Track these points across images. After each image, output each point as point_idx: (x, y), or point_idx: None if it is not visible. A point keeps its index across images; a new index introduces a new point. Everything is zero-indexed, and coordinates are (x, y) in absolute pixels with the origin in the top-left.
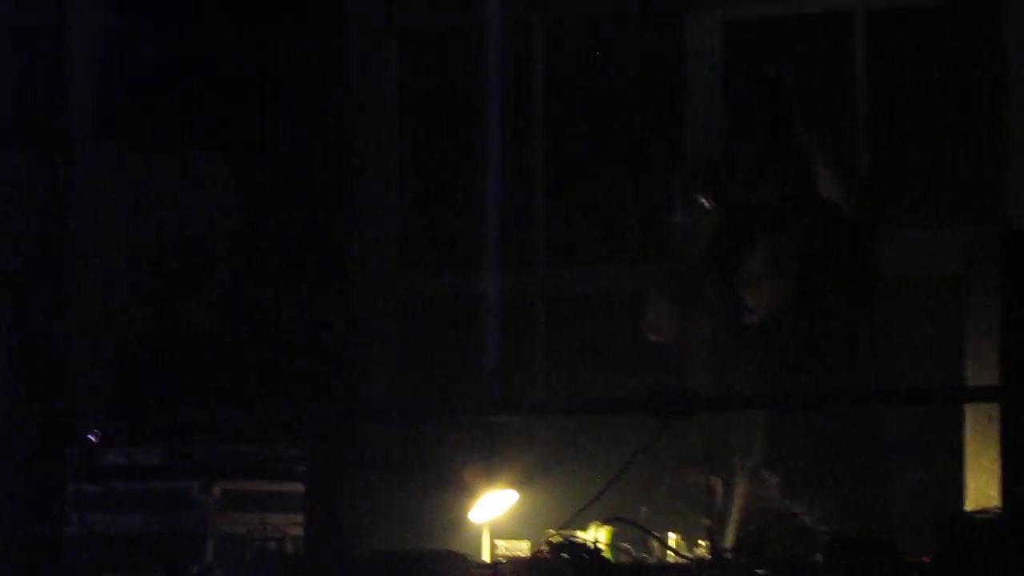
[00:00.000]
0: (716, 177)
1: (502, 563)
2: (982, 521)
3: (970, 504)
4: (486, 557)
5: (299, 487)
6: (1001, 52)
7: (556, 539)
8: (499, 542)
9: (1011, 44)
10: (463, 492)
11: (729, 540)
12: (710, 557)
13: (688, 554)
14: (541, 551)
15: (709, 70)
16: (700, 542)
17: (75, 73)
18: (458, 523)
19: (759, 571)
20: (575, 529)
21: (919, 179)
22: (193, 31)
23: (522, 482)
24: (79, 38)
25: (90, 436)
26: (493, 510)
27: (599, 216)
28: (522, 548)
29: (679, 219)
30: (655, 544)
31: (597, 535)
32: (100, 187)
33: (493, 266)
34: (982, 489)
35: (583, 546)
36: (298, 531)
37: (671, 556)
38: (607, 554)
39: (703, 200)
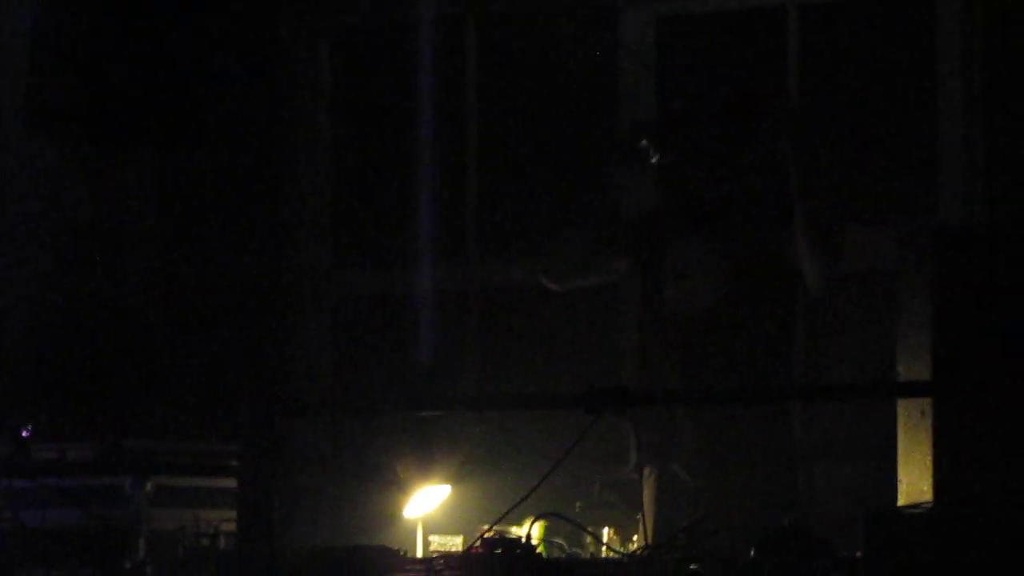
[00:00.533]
0: (668, 134)
1: (435, 558)
2: (913, 516)
3: (902, 499)
4: (419, 552)
5: (232, 483)
6: (932, 47)
7: (489, 534)
8: (432, 537)
9: (942, 39)
10: (396, 487)
11: (649, 537)
12: (643, 552)
13: (621, 549)
14: (475, 547)
15: (642, 65)
16: (634, 537)
17: (3, 66)
18: (391, 518)
19: (692, 566)
20: (509, 524)
21: (851, 174)
22: (123, 27)
23: (455, 477)
24: (6, 31)
25: (22, 431)
26: (426, 505)
27: (533, 210)
28: (456, 543)
29: (616, 172)
30: (589, 539)
31: (531, 530)
32: (26, 178)
33: (427, 261)
34: (915, 484)
35: (516, 541)
36: (231, 527)
37: (605, 551)
38: (540, 549)
39: (650, 149)
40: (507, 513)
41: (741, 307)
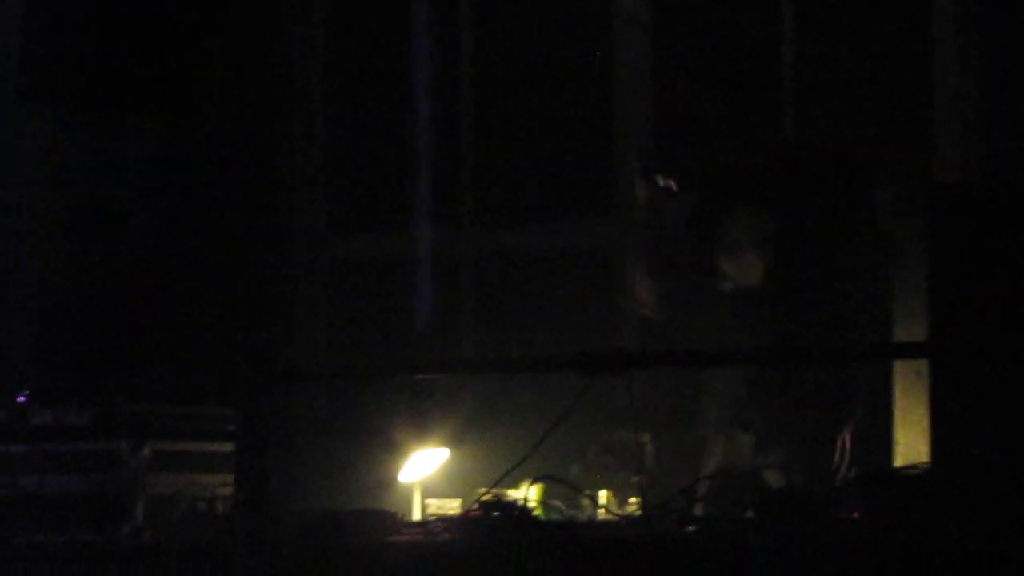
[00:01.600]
0: (668, 160)
1: (433, 522)
2: (910, 476)
3: (899, 460)
4: (417, 515)
5: (229, 447)
6: (928, 7)
7: (487, 497)
8: (430, 501)
9: (937, 4)
10: (394, 451)
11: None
12: (640, 513)
13: (618, 511)
14: (472, 509)
15: (639, 33)
16: (631, 499)
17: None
18: (389, 482)
19: (688, 528)
20: (506, 487)
21: (847, 136)
22: None
23: (453, 440)
24: None
25: (19, 396)
26: (424, 469)
27: (528, 176)
28: (453, 506)
29: (643, 195)
30: (586, 501)
31: (528, 493)
32: (23, 150)
33: (424, 226)
34: (911, 445)
35: (514, 504)
36: (228, 491)
37: (602, 513)
38: (538, 512)
39: (661, 180)
40: (504, 476)
41: (787, 278)
